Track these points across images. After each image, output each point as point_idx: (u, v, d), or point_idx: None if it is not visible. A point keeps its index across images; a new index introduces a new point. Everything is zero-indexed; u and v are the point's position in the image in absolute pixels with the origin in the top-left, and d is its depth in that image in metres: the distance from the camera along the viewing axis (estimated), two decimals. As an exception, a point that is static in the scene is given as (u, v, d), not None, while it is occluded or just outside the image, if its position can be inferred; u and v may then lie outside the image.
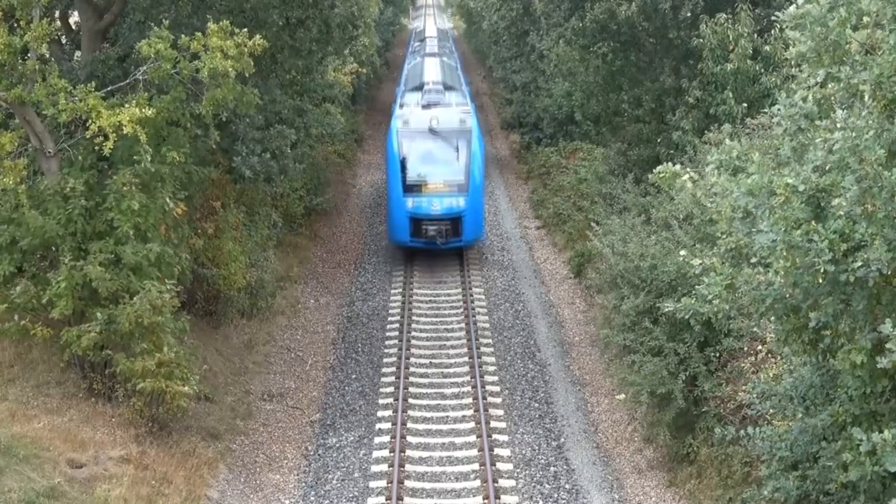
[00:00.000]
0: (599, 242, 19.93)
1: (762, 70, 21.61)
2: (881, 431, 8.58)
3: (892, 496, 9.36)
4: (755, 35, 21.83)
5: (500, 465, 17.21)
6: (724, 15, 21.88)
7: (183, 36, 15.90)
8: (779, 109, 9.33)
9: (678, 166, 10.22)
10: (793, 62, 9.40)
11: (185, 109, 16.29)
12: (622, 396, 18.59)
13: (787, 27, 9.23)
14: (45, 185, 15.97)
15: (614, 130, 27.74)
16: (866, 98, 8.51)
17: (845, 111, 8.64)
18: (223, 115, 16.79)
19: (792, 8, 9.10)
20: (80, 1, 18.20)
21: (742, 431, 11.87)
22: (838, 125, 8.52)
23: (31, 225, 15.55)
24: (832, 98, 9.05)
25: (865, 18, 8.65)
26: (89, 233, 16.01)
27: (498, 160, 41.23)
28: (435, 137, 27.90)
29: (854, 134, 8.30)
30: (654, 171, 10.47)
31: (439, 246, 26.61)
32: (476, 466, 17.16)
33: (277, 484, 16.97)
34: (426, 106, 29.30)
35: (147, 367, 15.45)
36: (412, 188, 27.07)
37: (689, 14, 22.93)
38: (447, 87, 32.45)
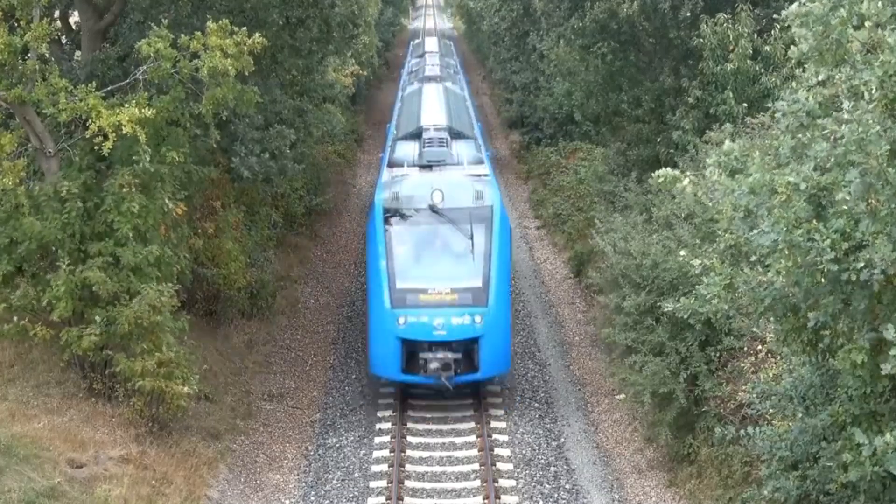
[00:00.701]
0: (601, 241, 19.92)
1: (762, 70, 21.59)
2: (881, 432, 8.57)
3: (892, 496, 9.35)
4: (755, 35, 21.82)
5: (501, 465, 17.20)
6: (724, 15, 21.88)
7: (182, 35, 15.90)
8: (782, 105, 9.31)
9: (677, 171, 10.19)
10: (794, 61, 9.37)
11: (185, 109, 16.28)
12: (622, 396, 18.57)
13: (792, 24, 9.19)
14: (42, 188, 15.95)
15: (614, 130, 27.70)
16: (872, 93, 8.49)
17: (852, 103, 8.62)
18: (223, 114, 16.79)
19: (794, 6, 9.07)
20: (80, 1, 18.21)
21: (742, 431, 11.86)
22: (845, 117, 8.51)
23: (28, 231, 15.57)
24: (837, 94, 9.02)
25: (867, 23, 8.64)
26: (88, 234, 16.01)
27: (498, 160, 41.21)
28: (439, 220, 19.37)
29: (860, 128, 8.28)
30: (653, 175, 10.45)
31: (444, 383, 18.54)
32: (476, 466, 17.15)
33: (277, 484, 16.96)
34: (426, 166, 20.83)
35: (147, 367, 15.45)
36: (404, 299, 18.59)
37: (688, 14, 22.91)
38: (455, 135, 23.10)
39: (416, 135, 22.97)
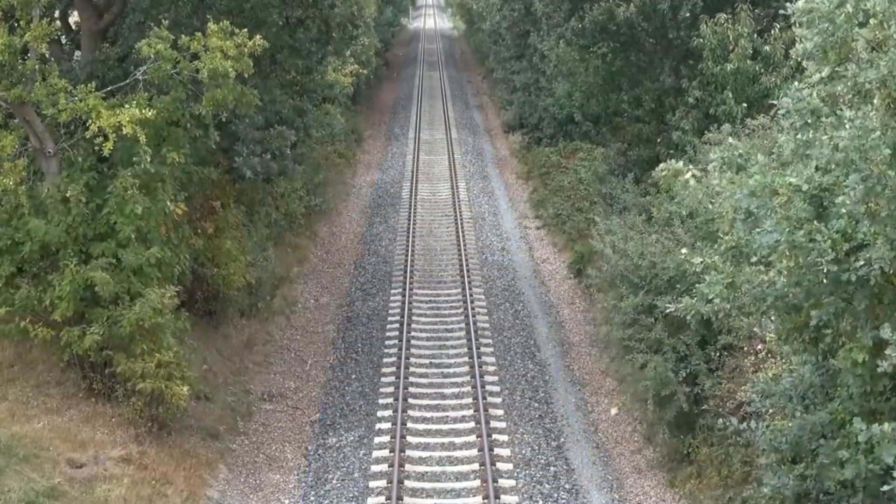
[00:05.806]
0: (600, 241, 19.93)
1: (762, 70, 21.62)
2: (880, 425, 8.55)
3: (890, 494, 9.32)
4: (755, 35, 21.85)
5: (500, 465, 17.18)
6: (724, 15, 21.90)
7: (183, 36, 15.89)
8: (787, 101, 9.29)
9: (679, 163, 10.19)
10: (798, 58, 9.34)
11: (186, 110, 16.28)
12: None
13: (795, 22, 9.16)
14: (47, 190, 15.96)
15: (614, 130, 27.75)
16: (875, 99, 8.47)
17: (853, 110, 8.62)
18: (223, 115, 16.78)
19: (801, 2, 9.03)
20: (80, 1, 18.21)
21: (743, 425, 11.86)
22: (846, 124, 8.50)
23: (34, 233, 15.57)
24: (840, 96, 9.00)
25: (872, 20, 8.62)
26: (90, 235, 16.02)
27: (498, 160, 41.24)
28: None
29: (861, 133, 8.28)
30: (655, 169, 10.44)
31: None
32: (476, 466, 17.15)
33: (277, 484, 16.96)
34: None
35: (147, 368, 15.46)
36: None
37: (688, 14, 22.94)
38: None
39: None
